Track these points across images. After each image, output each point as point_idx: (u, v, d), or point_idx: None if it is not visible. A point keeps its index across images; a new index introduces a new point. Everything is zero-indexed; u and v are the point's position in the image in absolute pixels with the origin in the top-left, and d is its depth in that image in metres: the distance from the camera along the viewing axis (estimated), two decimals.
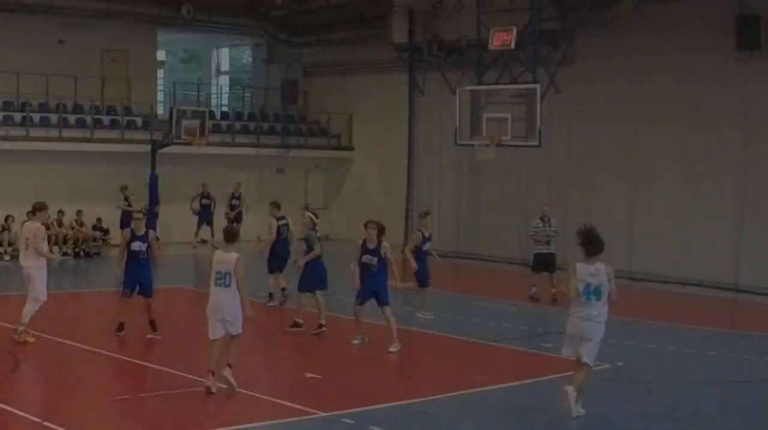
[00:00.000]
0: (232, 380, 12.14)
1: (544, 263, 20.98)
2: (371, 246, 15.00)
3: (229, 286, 12.03)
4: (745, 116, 23.77)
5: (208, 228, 29.16)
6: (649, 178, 25.60)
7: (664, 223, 25.03)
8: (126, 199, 27.42)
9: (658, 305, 21.71)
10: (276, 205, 18.99)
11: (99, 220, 27.42)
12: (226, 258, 12.14)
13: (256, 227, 30.26)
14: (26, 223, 15.67)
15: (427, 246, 18.11)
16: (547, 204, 21.68)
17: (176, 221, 28.84)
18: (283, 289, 18.95)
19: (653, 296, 23.06)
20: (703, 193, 24.53)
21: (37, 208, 15.40)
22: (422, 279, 18.07)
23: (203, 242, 29.20)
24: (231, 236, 12.48)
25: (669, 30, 24.82)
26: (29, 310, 14.74)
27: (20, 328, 14.63)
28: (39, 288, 14.92)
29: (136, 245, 15.48)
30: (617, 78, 25.99)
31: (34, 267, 14.99)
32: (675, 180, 25.08)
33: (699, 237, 24.17)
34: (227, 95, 38.81)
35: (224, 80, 39.91)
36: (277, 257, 18.79)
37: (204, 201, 29.03)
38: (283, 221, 18.95)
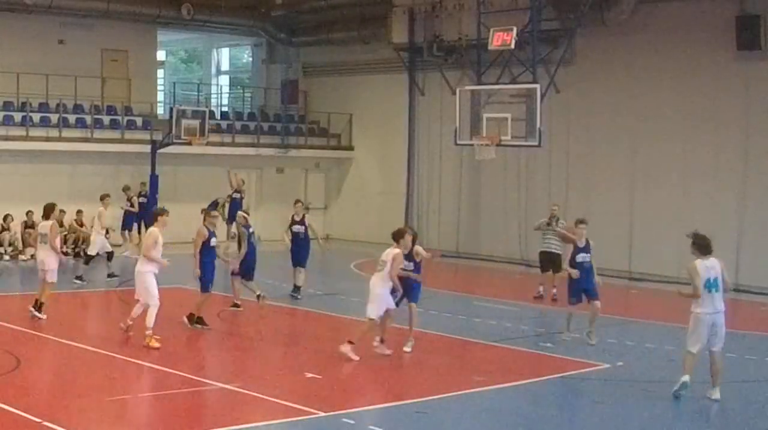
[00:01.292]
0: (381, 351, 14.42)
1: (547, 263, 20.95)
2: (404, 251, 14.98)
3: (381, 271, 14.36)
4: (745, 116, 23.77)
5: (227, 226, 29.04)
6: (649, 178, 25.60)
7: (664, 223, 25.02)
8: (129, 199, 27.43)
9: (658, 305, 21.69)
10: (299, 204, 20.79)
11: None
12: (386, 251, 14.49)
13: (257, 226, 30.29)
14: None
15: (582, 257, 15.97)
16: (556, 204, 21.67)
17: (177, 220, 28.75)
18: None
19: (653, 296, 23.05)
20: (703, 193, 24.53)
21: (157, 214, 15.60)
22: (576, 293, 15.93)
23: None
24: (395, 236, 14.61)
25: (669, 30, 24.83)
26: (150, 314, 14.82)
27: (147, 332, 14.71)
28: (149, 293, 14.90)
29: (214, 241, 16.34)
30: (617, 78, 26.01)
31: (141, 271, 14.96)
32: (675, 180, 25.08)
33: None
34: (227, 95, 38.81)
35: (224, 80, 39.91)
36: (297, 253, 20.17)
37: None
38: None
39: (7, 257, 25.12)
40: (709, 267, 12.41)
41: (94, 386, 12.68)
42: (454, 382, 13.37)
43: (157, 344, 14.62)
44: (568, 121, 26.51)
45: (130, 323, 15.04)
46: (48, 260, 16.66)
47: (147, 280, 14.95)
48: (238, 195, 29.14)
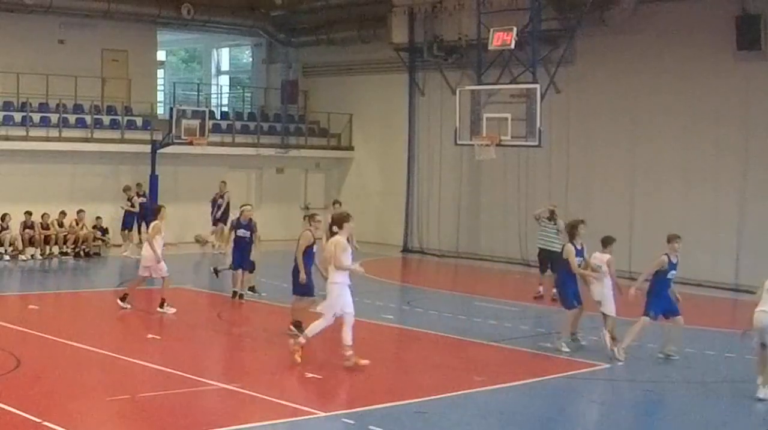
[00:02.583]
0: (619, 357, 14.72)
1: (546, 261, 20.91)
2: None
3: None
4: (745, 116, 23.76)
5: (213, 227, 29.12)
6: (649, 178, 25.60)
7: (664, 223, 24.97)
8: (129, 199, 27.44)
9: None
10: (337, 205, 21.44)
11: (99, 219, 27.40)
12: (595, 255, 15.46)
13: (258, 226, 30.26)
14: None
15: (672, 274, 15.17)
16: (554, 204, 21.59)
17: (177, 220, 28.80)
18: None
19: None
20: (703, 192, 24.53)
21: (343, 221, 14.11)
22: (651, 308, 15.15)
23: (204, 242, 29.18)
24: (607, 242, 15.55)
25: (669, 30, 24.83)
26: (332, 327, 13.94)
27: (347, 352, 13.76)
28: (332, 304, 13.77)
29: (315, 247, 15.77)
30: (617, 78, 26.00)
31: (330, 281, 13.89)
32: (675, 180, 25.08)
33: (699, 237, 24.13)
34: (227, 95, 38.83)
35: (224, 80, 39.93)
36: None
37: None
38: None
39: (7, 257, 25.10)
40: None
41: (94, 386, 12.68)
42: (454, 382, 13.37)
43: (365, 361, 13.71)
44: (568, 121, 26.51)
45: (303, 341, 13.88)
46: (151, 256, 17.61)
47: (342, 292, 13.78)
48: (221, 201, 28.74)
